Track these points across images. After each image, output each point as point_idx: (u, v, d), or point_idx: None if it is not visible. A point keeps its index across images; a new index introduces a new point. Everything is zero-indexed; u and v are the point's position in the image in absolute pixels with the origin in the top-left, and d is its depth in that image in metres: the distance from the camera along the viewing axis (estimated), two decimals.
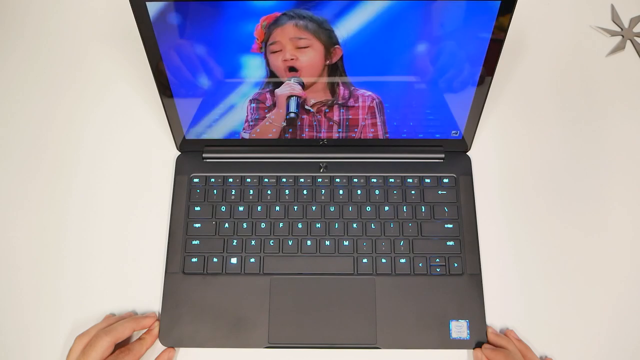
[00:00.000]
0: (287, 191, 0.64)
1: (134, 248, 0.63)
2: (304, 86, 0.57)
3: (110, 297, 0.61)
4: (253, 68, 0.55)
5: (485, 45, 0.53)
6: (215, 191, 0.64)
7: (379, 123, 0.61)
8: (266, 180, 0.64)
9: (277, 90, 0.58)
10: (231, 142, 0.64)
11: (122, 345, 0.56)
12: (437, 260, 0.61)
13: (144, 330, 0.58)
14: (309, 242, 0.62)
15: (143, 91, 0.71)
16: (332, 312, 0.59)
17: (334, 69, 0.55)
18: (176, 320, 0.59)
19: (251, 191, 0.64)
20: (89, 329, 0.56)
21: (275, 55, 0.55)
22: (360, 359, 0.58)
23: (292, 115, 0.59)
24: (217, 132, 0.63)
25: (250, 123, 0.61)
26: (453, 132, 0.63)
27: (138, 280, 0.62)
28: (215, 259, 0.61)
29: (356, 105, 0.59)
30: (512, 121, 0.69)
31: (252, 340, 0.58)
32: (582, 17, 0.75)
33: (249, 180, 0.65)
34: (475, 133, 0.63)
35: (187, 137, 0.64)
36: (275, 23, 0.52)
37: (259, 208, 0.63)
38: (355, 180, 0.64)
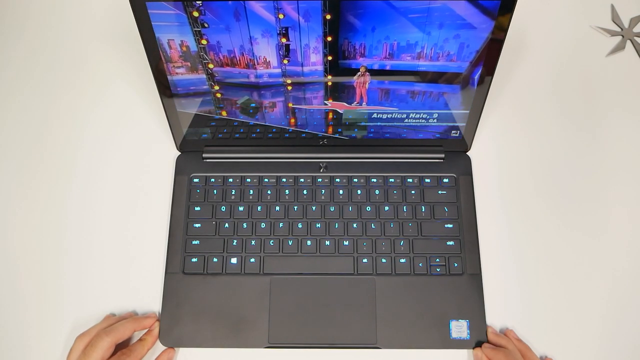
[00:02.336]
0: (287, 191, 0.64)
1: (134, 248, 0.63)
2: None
3: (111, 297, 0.61)
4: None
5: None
6: (215, 191, 0.64)
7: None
8: (266, 180, 0.64)
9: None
10: (231, 142, 0.64)
11: (122, 345, 0.56)
12: (437, 260, 0.61)
13: (145, 331, 0.58)
14: (309, 242, 0.62)
15: (143, 91, 0.71)
16: (332, 312, 0.59)
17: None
18: (176, 320, 0.59)
19: (251, 191, 0.64)
20: (89, 329, 0.56)
21: None
22: (360, 359, 0.58)
23: None
24: (217, 132, 0.63)
25: None
26: (453, 132, 0.63)
27: (138, 280, 0.62)
28: (215, 259, 0.61)
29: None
30: (512, 121, 0.69)
31: (252, 340, 0.58)
32: (582, 17, 0.75)
33: (249, 180, 0.65)
34: (475, 133, 0.63)
35: (187, 137, 0.64)
36: None
37: (259, 208, 0.63)
38: (355, 180, 0.64)
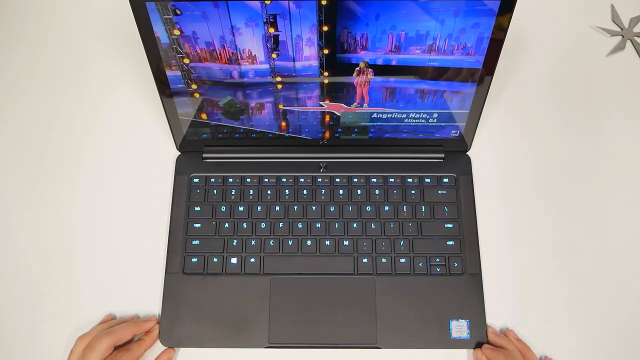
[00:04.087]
0: (287, 191, 0.64)
1: (134, 248, 0.63)
2: None
3: (111, 297, 0.61)
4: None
5: (485, 45, 0.52)
6: (215, 191, 0.64)
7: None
8: (266, 180, 0.64)
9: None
10: (231, 142, 0.64)
11: (121, 347, 0.56)
12: (437, 259, 0.61)
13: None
14: (309, 242, 0.62)
15: (143, 91, 0.71)
16: (332, 312, 0.59)
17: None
18: (176, 320, 0.59)
19: (251, 191, 0.64)
20: (90, 330, 0.56)
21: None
22: (360, 359, 0.58)
23: None
24: (217, 132, 0.63)
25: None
26: (453, 131, 0.63)
27: (138, 280, 0.62)
28: (215, 259, 0.61)
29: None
30: (512, 121, 0.69)
31: (252, 340, 0.58)
32: (582, 17, 0.75)
33: (249, 180, 0.65)
34: (475, 133, 0.63)
35: (187, 137, 0.64)
36: None
37: (259, 208, 0.63)
38: (355, 180, 0.64)
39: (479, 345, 0.58)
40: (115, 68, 0.72)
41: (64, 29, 0.75)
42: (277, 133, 0.59)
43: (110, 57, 0.73)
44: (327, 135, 0.61)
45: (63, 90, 0.71)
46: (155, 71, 0.55)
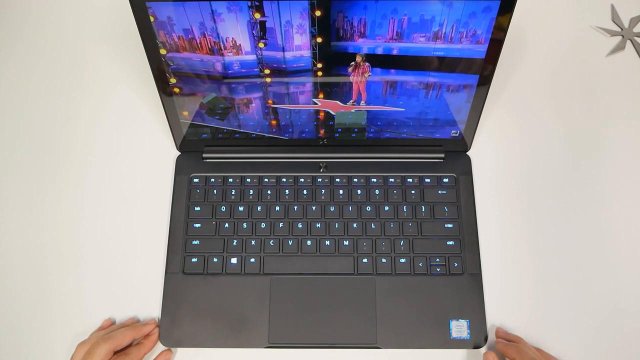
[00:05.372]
0: (287, 191, 0.64)
1: (134, 248, 0.63)
2: None
3: (111, 298, 0.61)
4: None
5: (485, 45, 0.52)
6: (215, 191, 0.64)
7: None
8: (266, 180, 0.64)
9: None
10: (231, 142, 0.64)
11: (121, 352, 0.56)
12: (437, 259, 0.61)
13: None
14: (309, 242, 0.62)
15: (143, 91, 0.71)
16: (332, 312, 0.59)
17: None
18: (176, 320, 0.59)
19: (251, 191, 0.64)
20: (90, 337, 0.56)
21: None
22: (360, 359, 0.58)
23: None
24: (217, 131, 0.63)
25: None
26: (453, 131, 0.63)
27: (138, 280, 0.62)
28: (215, 259, 0.61)
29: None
30: (512, 120, 0.69)
31: (252, 340, 0.58)
32: (582, 17, 0.75)
33: (249, 180, 0.65)
34: (475, 132, 0.63)
35: (187, 137, 0.64)
36: None
37: (259, 208, 0.63)
38: (355, 180, 0.64)
39: (478, 347, 0.58)
40: (115, 68, 0.72)
41: (64, 29, 0.75)
42: (276, 134, 0.59)
43: (110, 57, 0.73)
44: (326, 135, 0.61)
45: (62, 90, 0.71)
46: (155, 71, 0.55)
